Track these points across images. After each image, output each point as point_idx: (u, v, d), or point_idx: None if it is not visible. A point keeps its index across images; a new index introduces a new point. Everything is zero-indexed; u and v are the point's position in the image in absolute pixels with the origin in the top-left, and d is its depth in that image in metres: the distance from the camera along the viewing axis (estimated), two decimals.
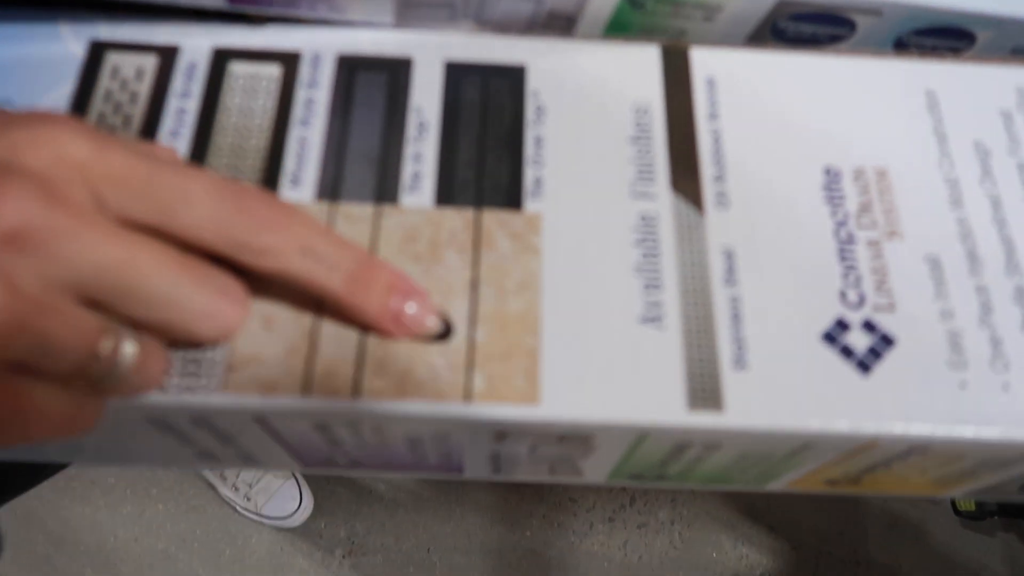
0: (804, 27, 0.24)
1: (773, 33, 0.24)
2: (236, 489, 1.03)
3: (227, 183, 0.17)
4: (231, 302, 0.18)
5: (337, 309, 0.19)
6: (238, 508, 1.04)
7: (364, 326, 0.19)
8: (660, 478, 0.24)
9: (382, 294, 0.19)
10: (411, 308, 0.19)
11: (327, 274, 0.18)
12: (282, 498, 1.04)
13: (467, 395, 0.19)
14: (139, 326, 0.17)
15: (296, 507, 1.04)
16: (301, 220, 0.18)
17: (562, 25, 0.24)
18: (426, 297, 0.19)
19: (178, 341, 0.18)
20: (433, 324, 0.19)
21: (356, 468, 0.24)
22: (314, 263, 0.18)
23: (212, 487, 1.04)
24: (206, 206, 0.16)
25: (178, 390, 0.18)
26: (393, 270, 0.19)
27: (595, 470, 0.24)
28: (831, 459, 0.21)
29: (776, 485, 0.25)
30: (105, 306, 0.16)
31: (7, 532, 1.02)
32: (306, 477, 1.08)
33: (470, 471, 0.24)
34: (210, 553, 1.04)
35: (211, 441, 0.21)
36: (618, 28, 0.24)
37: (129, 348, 0.17)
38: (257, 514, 1.03)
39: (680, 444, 0.20)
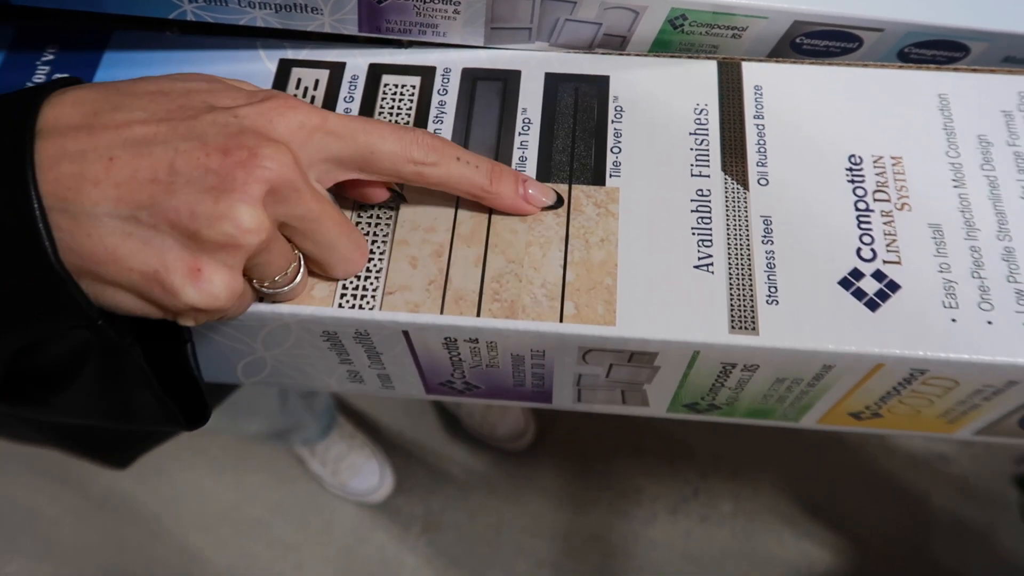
0: (818, 42, 0.30)
1: (792, 47, 0.30)
2: (324, 465, 1.12)
3: (401, 127, 0.24)
4: (361, 254, 0.26)
5: (484, 198, 0.26)
6: (325, 483, 1.13)
7: (503, 207, 0.26)
8: (712, 408, 0.30)
9: (513, 181, 0.26)
10: (533, 188, 0.27)
11: (475, 172, 0.25)
12: (366, 475, 1.12)
13: (560, 317, 0.25)
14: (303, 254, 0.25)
15: (378, 484, 1.12)
16: (451, 143, 0.25)
17: (616, 44, 0.30)
18: (538, 182, 0.27)
19: (319, 272, 0.26)
20: (550, 197, 0.27)
21: (468, 393, 0.31)
22: (466, 166, 0.25)
23: (302, 462, 1.13)
24: (393, 142, 0.24)
25: (350, 308, 0.25)
26: (511, 169, 0.27)
27: (658, 398, 0.30)
28: (850, 385, 0.27)
29: (808, 419, 0.30)
30: (291, 236, 0.23)
31: (124, 492, 1.14)
32: (388, 456, 1.16)
33: (557, 400, 0.31)
34: (299, 523, 1.13)
35: (363, 358, 0.28)
36: (661, 46, 0.30)
37: (301, 272, 0.25)
38: (342, 489, 1.12)
39: (726, 364, 0.26)
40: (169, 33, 0.31)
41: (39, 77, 0.30)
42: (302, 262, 0.25)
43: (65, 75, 0.25)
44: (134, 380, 0.25)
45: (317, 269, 0.25)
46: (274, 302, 0.25)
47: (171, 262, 0.21)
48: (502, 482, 1.19)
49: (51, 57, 0.30)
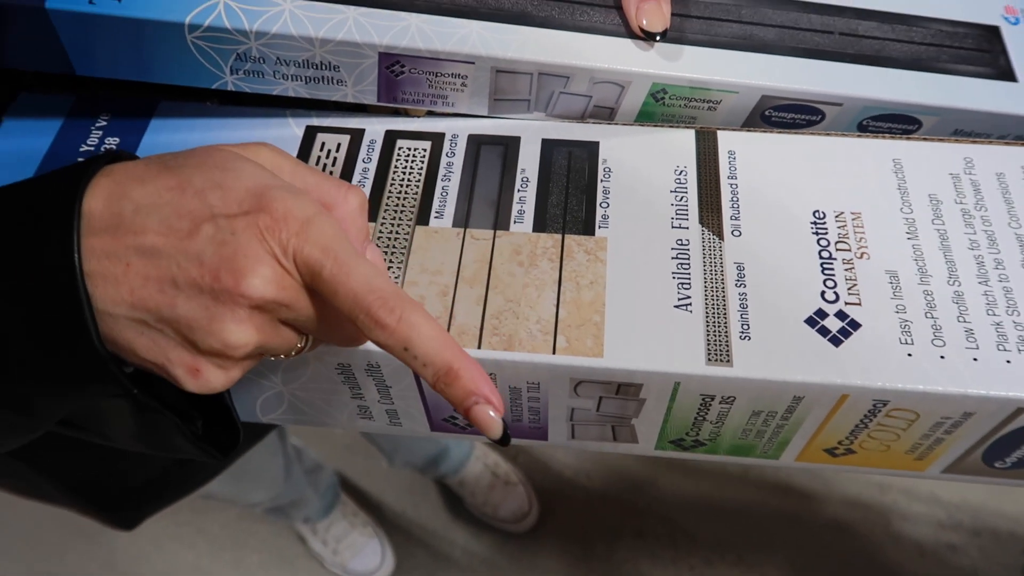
0: (784, 115, 0.33)
1: (762, 119, 0.34)
2: (325, 544, 1.11)
3: (376, 292, 0.24)
4: (362, 335, 0.27)
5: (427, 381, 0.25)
6: (325, 563, 1.12)
7: (446, 396, 0.25)
8: (696, 444, 0.32)
9: (460, 394, 0.25)
10: (489, 410, 0.25)
11: (420, 367, 0.25)
12: (367, 556, 1.11)
13: (553, 350, 0.28)
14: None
15: (378, 565, 1.11)
16: (412, 328, 0.24)
17: (605, 114, 0.34)
18: (501, 409, 0.25)
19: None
20: (498, 429, 0.25)
21: (469, 430, 0.33)
22: (411, 358, 0.24)
23: (303, 540, 1.12)
24: (349, 302, 0.24)
25: (365, 344, 0.28)
26: (478, 380, 0.25)
27: (646, 434, 0.32)
28: (821, 418, 0.29)
29: (787, 456, 0.32)
30: (294, 327, 0.26)
31: (123, 570, 1.13)
32: (389, 536, 1.15)
33: (553, 436, 0.33)
34: None
35: (373, 392, 0.31)
36: (646, 116, 0.34)
37: (309, 344, 0.27)
38: (342, 569, 1.10)
39: (705, 396, 0.28)
40: (208, 103, 0.35)
41: (92, 140, 0.34)
42: (309, 341, 0.27)
43: (109, 150, 0.27)
44: (171, 429, 0.28)
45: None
46: None
47: (175, 360, 0.24)
48: (504, 565, 1.17)
49: (104, 123, 0.34)
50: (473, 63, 0.31)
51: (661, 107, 0.33)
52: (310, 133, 0.34)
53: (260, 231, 0.24)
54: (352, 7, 0.30)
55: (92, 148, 0.34)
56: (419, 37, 0.30)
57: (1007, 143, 0.33)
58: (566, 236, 0.31)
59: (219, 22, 0.29)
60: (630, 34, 0.32)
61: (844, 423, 0.29)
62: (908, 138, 0.33)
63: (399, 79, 0.32)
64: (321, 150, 0.33)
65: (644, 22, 0.31)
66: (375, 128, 0.34)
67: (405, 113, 0.34)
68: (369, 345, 0.28)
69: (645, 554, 1.20)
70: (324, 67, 0.31)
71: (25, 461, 0.52)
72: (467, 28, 0.31)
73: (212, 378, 0.25)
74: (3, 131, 0.34)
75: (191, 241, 0.24)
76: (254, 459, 0.72)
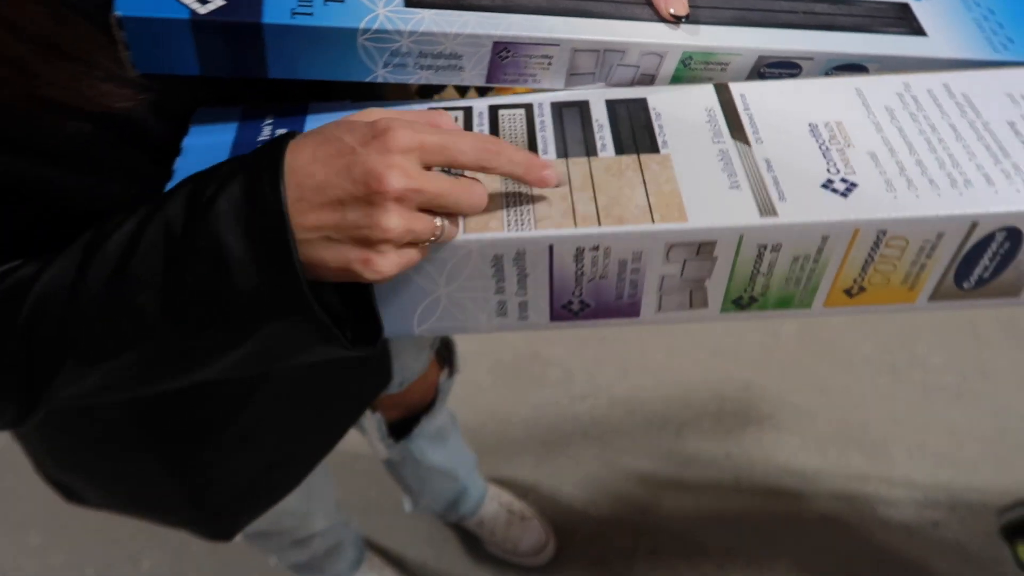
0: (773, 70, 0.47)
1: (758, 75, 0.47)
2: None
3: (476, 138, 0.37)
4: (479, 196, 0.39)
5: (522, 181, 0.39)
6: None
7: (532, 184, 0.39)
8: (751, 301, 0.43)
9: (538, 171, 0.38)
10: (551, 173, 0.39)
11: (518, 170, 0.38)
12: None
13: (652, 220, 0.39)
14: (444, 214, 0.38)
15: None
16: (507, 150, 0.38)
17: (647, 81, 0.46)
18: (553, 168, 0.39)
19: (457, 216, 0.39)
20: (555, 179, 0.39)
21: (581, 315, 0.43)
22: (513, 167, 0.38)
23: None
24: (469, 154, 0.37)
25: (516, 230, 0.39)
26: (544, 162, 0.39)
27: (714, 296, 0.43)
28: (841, 256, 0.40)
29: (817, 303, 0.44)
30: (429, 209, 0.37)
31: None
32: None
33: (644, 311, 0.43)
34: None
35: (513, 284, 0.41)
36: (676, 80, 0.47)
37: (447, 227, 0.38)
38: None
39: (760, 247, 0.40)
40: (348, 101, 0.46)
41: (265, 134, 0.44)
42: (445, 222, 0.38)
43: (283, 133, 0.39)
44: (335, 340, 0.38)
45: (457, 215, 0.39)
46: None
47: (352, 257, 0.35)
48: None
49: (271, 121, 0.45)
50: (558, 44, 0.43)
51: (688, 71, 0.46)
52: None
53: (384, 146, 0.35)
54: (470, 12, 0.43)
55: (267, 139, 0.44)
56: (522, 29, 0.43)
57: (931, 72, 0.47)
58: (640, 155, 0.42)
59: (383, 25, 0.41)
60: (661, 20, 0.45)
61: (857, 259, 0.41)
62: (863, 75, 0.47)
63: (504, 63, 0.44)
64: None
65: (672, 9, 0.44)
66: (479, 106, 0.46)
67: (440, 95, 0.46)
68: (518, 233, 0.39)
69: (663, 569, 1.27)
70: (452, 56, 0.43)
71: (150, 452, 0.58)
72: (552, 21, 0.43)
73: (380, 263, 0.35)
74: (193, 132, 0.44)
75: (344, 171, 0.34)
76: (318, 479, 0.79)
